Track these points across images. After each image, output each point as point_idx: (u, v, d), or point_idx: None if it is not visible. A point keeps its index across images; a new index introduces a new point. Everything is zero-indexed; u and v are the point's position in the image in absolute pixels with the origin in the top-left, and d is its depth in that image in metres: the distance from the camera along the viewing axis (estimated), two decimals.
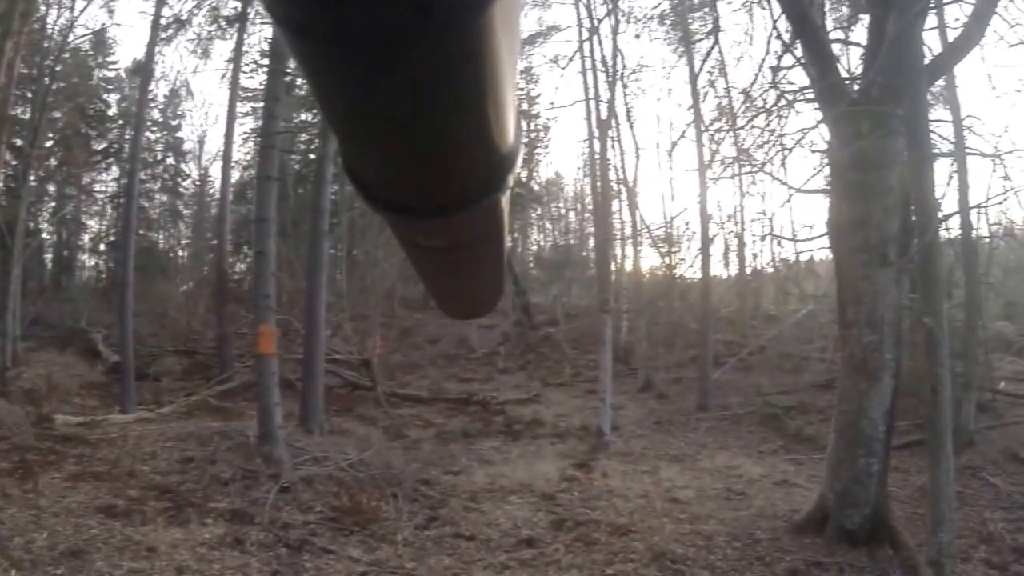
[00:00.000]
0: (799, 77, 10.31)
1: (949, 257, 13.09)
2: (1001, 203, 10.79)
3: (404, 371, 20.81)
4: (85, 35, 22.77)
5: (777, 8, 9.18)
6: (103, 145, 29.62)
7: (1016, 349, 17.44)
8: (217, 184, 23.14)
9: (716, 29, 17.58)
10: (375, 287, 20.73)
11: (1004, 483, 10.11)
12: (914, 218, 7.58)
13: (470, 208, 0.85)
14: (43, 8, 19.03)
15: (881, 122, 7.89)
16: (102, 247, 31.68)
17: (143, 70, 18.00)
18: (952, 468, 6.59)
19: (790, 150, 11.72)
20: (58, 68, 20.43)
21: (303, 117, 19.23)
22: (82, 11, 21.21)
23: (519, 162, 0.87)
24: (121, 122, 28.89)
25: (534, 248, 42.70)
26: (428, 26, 0.49)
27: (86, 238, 32.61)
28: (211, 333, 20.26)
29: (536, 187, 38.50)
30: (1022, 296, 16.89)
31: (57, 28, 20.04)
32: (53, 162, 26.64)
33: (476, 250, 1.15)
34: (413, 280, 27.27)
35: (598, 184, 16.23)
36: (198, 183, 35.17)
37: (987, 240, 14.50)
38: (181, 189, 35.16)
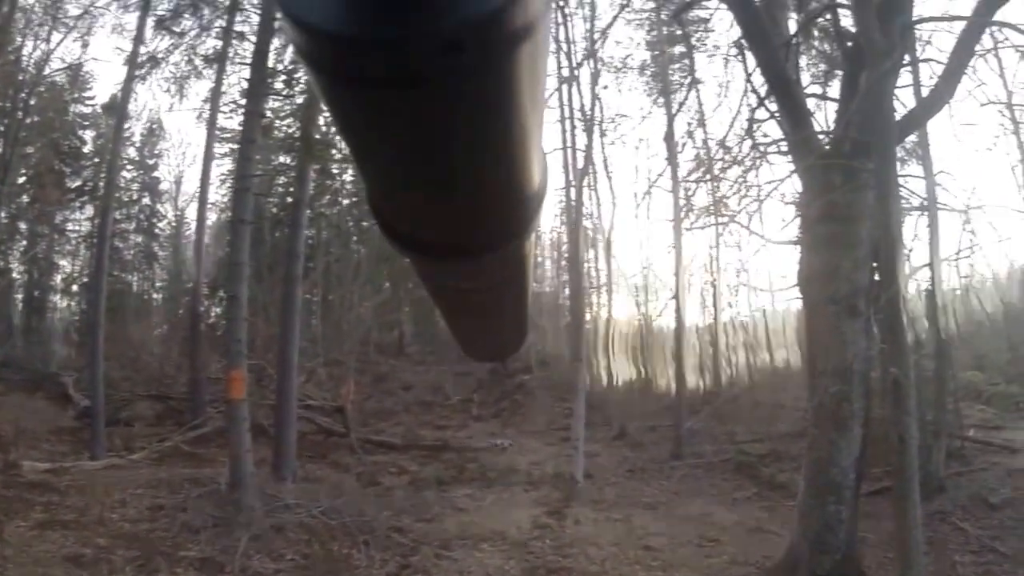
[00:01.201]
0: (774, 129, 10.50)
1: (918, 308, 13.34)
2: (969, 256, 11.04)
3: (378, 417, 20.66)
4: (61, 69, 22.54)
5: (752, 61, 9.37)
6: (77, 183, 29.15)
7: (986, 398, 17.64)
8: (193, 226, 22.98)
9: (694, 82, 17.92)
10: (350, 332, 20.67)
11: (973, 528, 10.21)
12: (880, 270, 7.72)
13: (495, 251, 0.84)
14: (18, 40, 18.98)
15: (852, 176, 8.08)
16: (74, 288, 31.15)
17: (118, 108, 18.00)
18: (920, 514, 6.65)
19: (762, 202, 11.94)
20: (32, 102, 20.32)
21: (281, 159, 19.24)
22: (58, 44, 21.06)
23: (545, 205, 0.87)
24: (96, 160, 28.42)
25: None
26: (457, 66, 0.49)
27: (58, 278, 32.02)
28: (184, 378, 20.01)
29: None
30: (991, 346, 17.16)
31: (32, 61, 19.99)
32: (25, 199, 26.19)
33: (501, 292, 1.14)
34: (388, 326, 27.23)
35: (574, 232, 16.34)
36: (174, 224, 34.80)
37: (957, 292, 14.82)
38: (157, 230, 34.69)
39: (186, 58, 17.83)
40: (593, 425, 18.38)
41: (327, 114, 16.90)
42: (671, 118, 19.22)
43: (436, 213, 0.76)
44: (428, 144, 0.59)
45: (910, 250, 11.27)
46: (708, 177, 13.42)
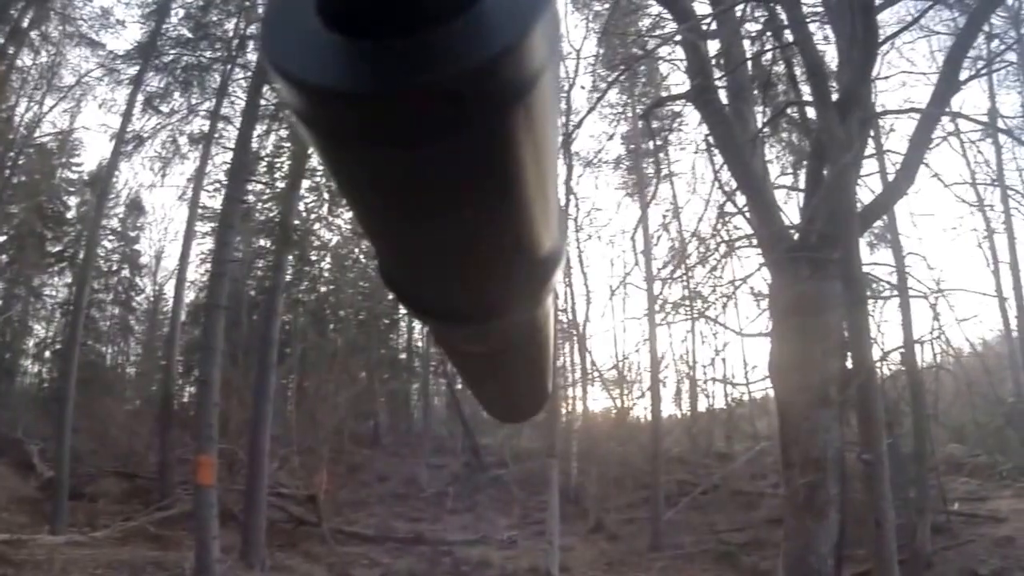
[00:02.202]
0: (743, 223, 10.71)
1: (893, 391, 13.47)
2: (938, 338, 11.23)
3: (351, 508, 20.32)
4: (51, 133, 22.61)
5: (720, 158, 9.60)
6: (58, 248, 28.97)
7: (968, 470, 17.73)
8: (171, 303, 22.84)
9: (667, 176, 18.27)
10: (324, 421, 20.43)
11: None
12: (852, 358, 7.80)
13: (513, 314, 0.81)
14: (13, 99, 19.15)
15: (819, 267, 8.21)
16: (47, 354, 30.62)
17: (101, 181, 18.12)
18: None
19: (730, 296, 12.10)
20: (21, 162, 20.41)
21: (261, 242, 19.30)
22: (50, 109, 21.31)
23: (563, 264, 0.83)
24: (79, 227, 28.33)
25: None
26: (456, 120, 0.47)
27: (31, 343, 31.51)
28: (154, 457, 19.63)
29: None
30: (968, 420, 17.36)
31: (24, 122, 20.13)
32: (4, 258, 26.11)
33: (520, 355, 1.09)
34: (363, 416, 26.98)
35: None
36: (152, 300, 34.48)
37: (932, 370, 15.02)
38: (134, 304, 34.34)
39: (171, 138, 18.08)
40: (569, 518, 18.17)
41: (307, 200, 17.15)
42: (644, 212, 19.57)
43: (446, 277, 0.72)
44: (431, 204, 0.57)
45: (882, 334, 11.43)
46: (680, 271, 13.60)
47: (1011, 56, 10.90)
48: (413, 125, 0.46)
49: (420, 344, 28.94)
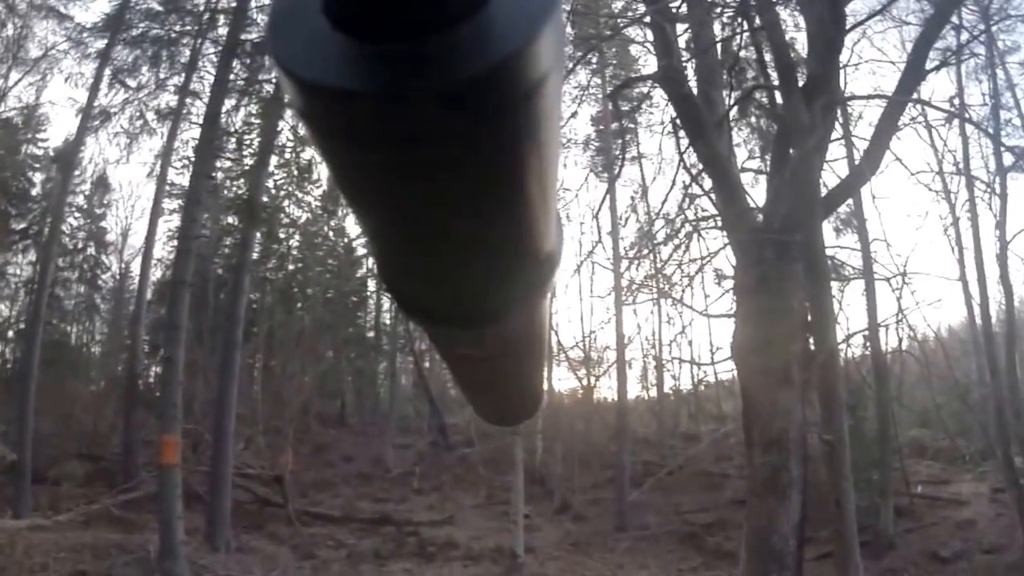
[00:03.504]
0: (708, 204, 10.79)
1: (857, 373, 13.68)
2: (901, 322, 11.41)
3: (317, 488, 20.27)
4: (16, 108, 22.19)
5: (685, 140, 9.64)
6: (22, 225, 28.40)
7: (931, 453, 18.04)
8: (137, 281, 22.47)
9: (634, 158, 18.29)
10: (290, 401, 20.34)
11: None
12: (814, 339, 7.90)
13: (509, 317, 0.81)
14: None
15: (783, 249, 8.28)
16: (10, 334, 29.99)
17: (67, 157, 17.82)
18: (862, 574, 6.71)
19: (693, 276, 12.19)
20: None
21: (230, 220, 19.09)
22: (16, 82, 20.91)
23: (560, 266, 0.83)
24: (44, 204, 27.75)
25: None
26: (457, 124, 0.47)
27: None
28: (118, 438, 19.41)
29: None
30: (930, 404, 17.70)
31: None
32: None
33: (516, 358, 1.09)
34: (329, 396, 26.89)
35: None
36: (118, 278, 33.85)
37: (896, 353, 15.27)
38: (100, 282, 33.68)
39: (139, 113, 17.80)
40: (535, 498, 18.26)
41: (276, 177, 16.99)
42: (611, 191, 19.62)
43: (446, 279, 0.72)
44: (431, 207, 0.57)
45: (847, 317, 11.59)
46: (646, 251, 13.67)
47: (978, 48, 11.00)
48: (416, 127, 0.47)
49: (388, 322, 28.84)
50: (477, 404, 1.52)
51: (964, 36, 10.76)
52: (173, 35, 16.74)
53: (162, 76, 17.10)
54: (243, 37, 13.85)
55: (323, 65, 0.45)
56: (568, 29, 16.92)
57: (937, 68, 10.48)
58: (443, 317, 0.79)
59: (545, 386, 1.47)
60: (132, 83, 17.26)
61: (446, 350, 1.02)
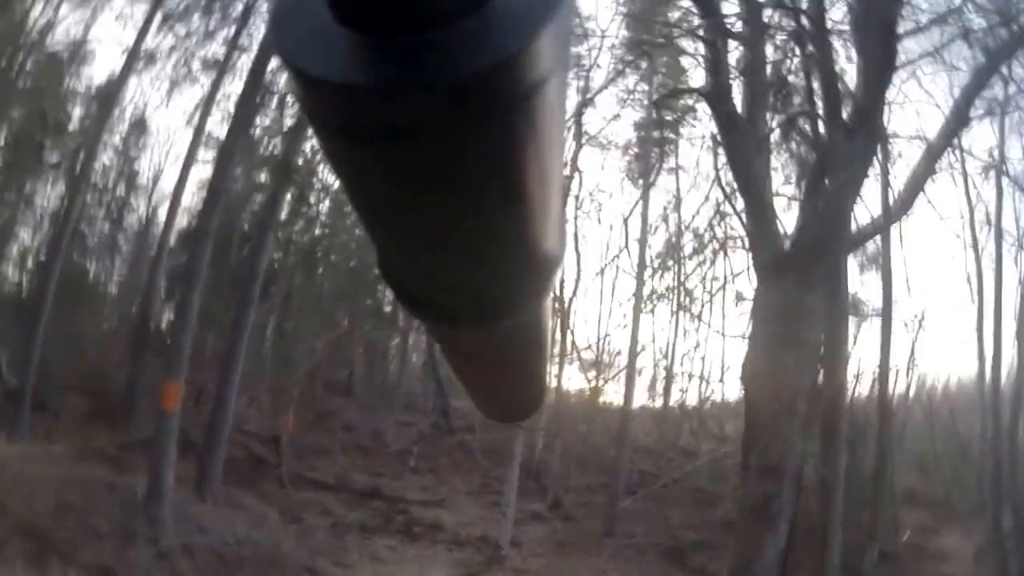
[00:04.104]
0: (738, 224, 10.77)
1: (862, 413, 13.63)
2: (912, 368, 11.39)
3: (314, 454, 20.33)
4: (63, 42, 22.29)
5: (724, 157, 9.62)
6: (55, 160, 28.54)
7: (925, 503, 17.95)
8: (162, 226, 22.55)
9: (674, 167, 18.21)
10: (299, 363, 20.44)
11: None
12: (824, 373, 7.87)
13: (510, 315, 0.80)
14: (28, 1, 18.83)
15: (805, 278, 8.24)
16: (29, 263, 30.11)
17: (107, 97, 17.91)
18: None
19: (714, 293, 12.17)
20: (28, 67, 20.09)
21: (262, 178, 19.19)
22: (65, 17, 21.03)
23: (563, 264, 0.83)
24: (80, 139, 27.91)
25: None
26: (459, 120, 0.46)
27: (15, 250, 31.00)
28: (124, 378, 19.54)
29: None
30: (929, 452, 17.64)
31: (37, 27, 19.80)
32: None
33: (518, 355, 1.09)
34: (339, 364, 26.97)
35: None
36: (143, 221, 33.94)
37: (903, 398, 15.25)
38: (125, 223, 33.78)
39: (184, 60, 17.86)
40: (528, 493, 18.25)
41: (314, 141, 17.02)
42: (644, 199, 19.54)
43: (447, 276, 0.73)
44: (431, 203, 0.57)
45: (859, 356, 11.57)
46: (672, 262, 13.66)
47: None
48: (419, 123, 0.47)
49: None
50: (478, 400, 1.51)
51: (1012, 88, 10.65)
52: None
53: (212, 26, 17.16)
54: None
55: (327, 60, 0.45)
56: (623, 32, 16.91)
57: (981, 117, 10.40)
58: (443, 313, 0.80)
59: (547, 384, 1.45)
60: (181, 29, 17.32)
61: (447, 346, 1.03)
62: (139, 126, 31.02)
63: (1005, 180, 13.37)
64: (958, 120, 8.93)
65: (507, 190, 0.56)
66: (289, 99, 15.10)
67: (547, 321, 1.06)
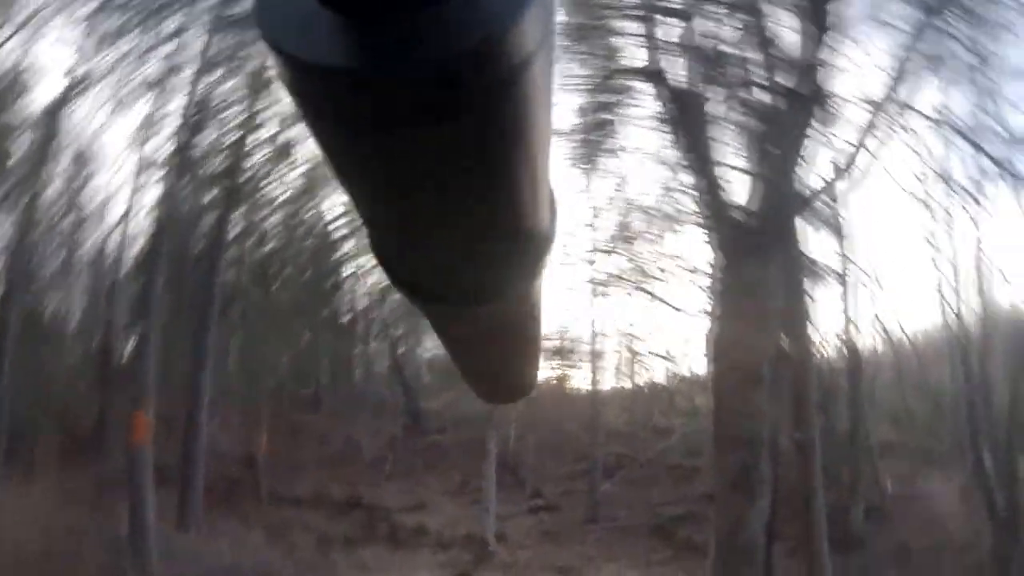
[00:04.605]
0: (689, 200, 10.84)
1: (830, 374, 13.84)
2: (875, 324, 11.55)
3: (290, 470, 20.19)
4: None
5: (671, 134, 9.69)
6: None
7: (902, 453, 18.24)
8: (115, 254, 22.09)
9: (618, 148, 18.25)
10: (266, 381, 20.25)
11: None
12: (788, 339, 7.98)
13: (502, 297, 0.81)
14: None
15: (760, 248, 8.35)
16: None
17: (50, 122, 17.57)
18: (830, 573, 6.81)
19: (669, 271, 12.27)
20: None
21: (210, 195, 18.95)
22: (3, 43, 20.55)
23: (553, 245, 0.83)
24: (24, 171, 27.15)
25: (428, 354, 42.26)
26: (452, 101, 0.46)
27: None
28: (94, 414, 19.19)
29: None
30: (901, 405, 17.97)
31: None
32: None
33: (510, 338, 1.09)
34: (304, 377, 26.75)
35: None
36: (96, 250, 33.25)
37: (870, 355, 15.49)
38: (78, 254, 33.06)
39: (123, 81, 17.55)
40: (507, 487, 18.28)
41: (259, 154, 16.83)
42: (589, 182, 19.62)
43: (440, 258, 0.72)
44: (422, 185, 0.56)
45: (822, 318, 11.76)
46: (624, 244, 13.74)
47: (967, 57, 11.06)
48: (404, 104, 0.46)
49: (365, 306, 28.71)
50: (472, 381, 1.52)
51: (952, 44, 10.81)
52: (162, 2, 16.53)
53: (148, 45, 16.87)
54: (230, 10, 13.71)
55: (311, 43, 0.45)
56: (560, 16, 16.91)
57: (923, 75, 10.56)
58: (436, 295, 0.80)
59: (539, 363, 1.47)
60: (119, 49, 17.01)
61: (441, 328, 1.04)
62: (83, 153, 30.47)
63: (953, 134, 13.61)
64: (900, 79, 9.09)
65: (498, 171, 0.56)
66: (230, 114, 14.95)
67: (540, 301, 1.06)
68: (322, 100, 0.49)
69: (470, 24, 0.44)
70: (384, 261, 0.77)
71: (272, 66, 0.48)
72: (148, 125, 17.91)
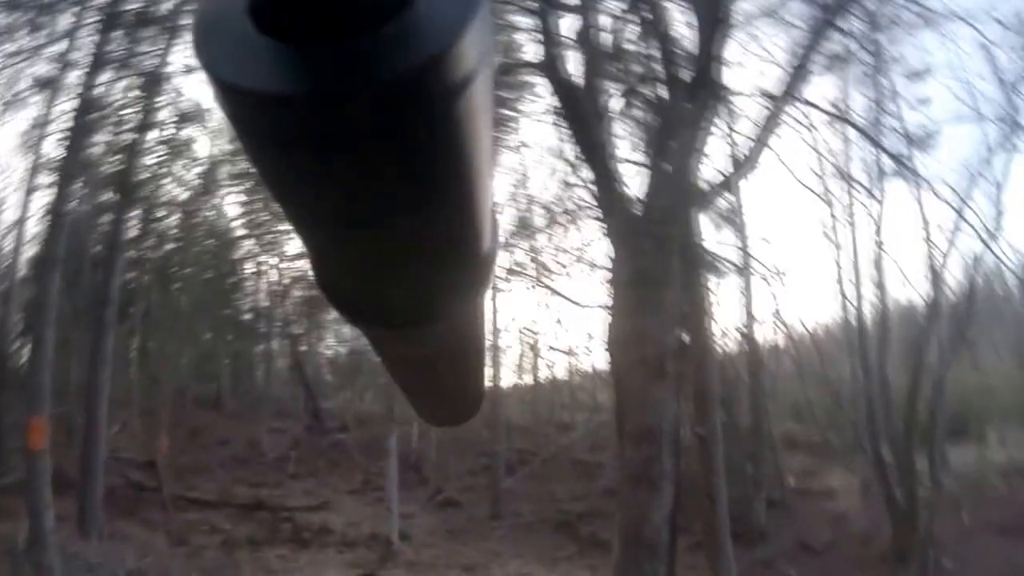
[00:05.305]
0: (588, 194, 10.97)
1: (732, 368, 14.24)
2: (777, 320, 11.90)
3: (192, 473, 19.78)
4: None
5: (567, 129, 9.82)
6: None
7: (804, 447, 18.77)
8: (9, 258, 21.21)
9: (518, 145, 18.44)
10: (166, 383, 19.82)
11: (797, 572, 10.90)
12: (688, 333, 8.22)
13: (445, 317, 0.80)
14: None
15: (660, 242, 8.54)
16: None
17: None
18: (734, 567, 7.08)
19: (569, 265, 12.43)
20: None
21: (106, 196, 18.42)
22: None
23: (496, 265, 0.82)
24: None
25: (328, 352, 41.63)
26: (390, 123, 0.47)
27: None
28: None
29: None
30: (802, 399, 18.51)
31: None
32: None
33: (455, 358, 1.08)
34: (206, 378, 26.24)
35: None
36: None
37: (771, 349, 15.96)
38: None
39: (13, 81, 16.90)
40: (410, 485, 18.33)
41: (155, 154, 16.44)
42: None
43: (382, 280, 0.71)
44: (359, 207, 0.56)
45: (723, 313, 12.05)
46: (524, 239, 13.92)
47: (865, 57, 11.48)
48: (344, 128, 0.46)
49: (266, 305, 28.27)
50: (417, 405, 1.49)
51: (850, 43, 11.15)
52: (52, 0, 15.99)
53: (39, 43, 16.29)
54: (123, 8, 13.38)
55: (248, 69, 0.45)
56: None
57: (822, 72, 10.92)
58: (378, 318, 0.78)
59: (484, 384, 1.45)
60: (8, 49, 16.38)
61: (384, 351, 1.02)
62: None
63: (851, 132, 13.97)
64: (800, 76, 9.36)
65: (439, 191, 0.57)
66: (125, 113, 14.60)
67: (483, 320, 1.07)
68: (260, 126, 0.49)
69: (409, 45, 0.45)
70: (325, 286, 0.76)
71: (210, 93, 0.48)
72: (40, 126, 17.37)
